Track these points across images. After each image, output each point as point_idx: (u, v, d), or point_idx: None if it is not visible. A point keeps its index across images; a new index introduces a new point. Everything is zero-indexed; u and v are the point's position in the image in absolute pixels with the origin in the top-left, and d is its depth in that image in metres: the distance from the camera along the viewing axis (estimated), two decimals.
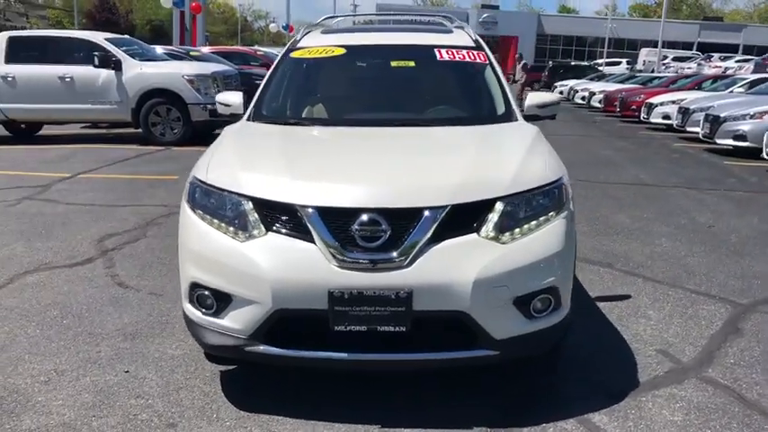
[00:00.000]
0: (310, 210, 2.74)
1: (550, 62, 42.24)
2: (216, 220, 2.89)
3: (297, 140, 3.51)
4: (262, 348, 2.80)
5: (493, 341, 2.77)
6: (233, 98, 4.05)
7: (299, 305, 2.70)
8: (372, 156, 3.25)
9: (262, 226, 2.80)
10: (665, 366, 3.45)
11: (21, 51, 11.66)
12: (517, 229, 2.82)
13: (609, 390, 3.18)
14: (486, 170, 2.98)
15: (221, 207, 2.90)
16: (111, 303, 4.19)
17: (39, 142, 11.91)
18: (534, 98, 3.99)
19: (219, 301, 2.84)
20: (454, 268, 2.68)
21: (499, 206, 2.81)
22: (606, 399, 3.09)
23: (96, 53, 11.29)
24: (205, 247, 2.88)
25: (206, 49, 19.77)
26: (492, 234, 2.77)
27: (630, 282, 4.77)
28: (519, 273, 2.76)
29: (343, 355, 2.76)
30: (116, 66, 11.31)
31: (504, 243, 2.77)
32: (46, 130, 12.76)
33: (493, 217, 2.79)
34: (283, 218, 2.78)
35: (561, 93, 29.41)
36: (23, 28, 53.65)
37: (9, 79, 11.47)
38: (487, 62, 4.15)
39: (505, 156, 3.15)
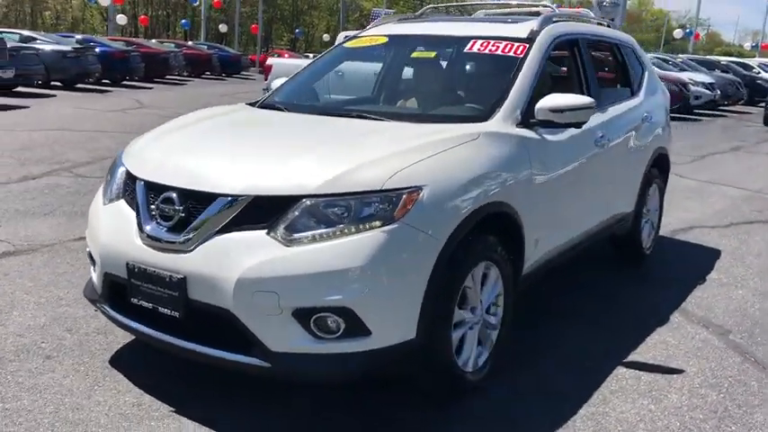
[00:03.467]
0: (139, 181, 2.84)
1: None
2: (105, 184, 3.16)
3: (220, 121, 3.51)
4: (106, 308, 2.98)
5: (267, 352, 2.51)
6: (276, 83, 4.22)
7: (115, 271, 2.82)
8: (235, 140, 3.13)
9: (121, 193, 2.98)
10: None
11: None
12: (317, 233, 2.48)
13: None
14: (307, 166, 2.65)
15: (112, 173, 3.16)
16: None
17: None
18: (549, 100, 3.28)
19: (92, 258, 3.11)
20: (227, 263, 2.50)
21: (304, 205, 2.51)
22: None
23: None
24: (90, 207, 3.18)
25: None
26: (282, 233, 2.49)
27: (721, 357, 3.57)
28: (293, 281, 2.43)
29: (144, 329, 2.78)
30: None
31: (290, 245, 2.47)
32: None
33: (291, 215, 2.51)
34: (131, 187, 2.92)
35: None
36: None
37: (339, 74, 13.15)
38: (521, 56, 3.53)
39: (348, 154, 2.73)
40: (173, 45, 28.56)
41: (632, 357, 3.51)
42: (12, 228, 5.25)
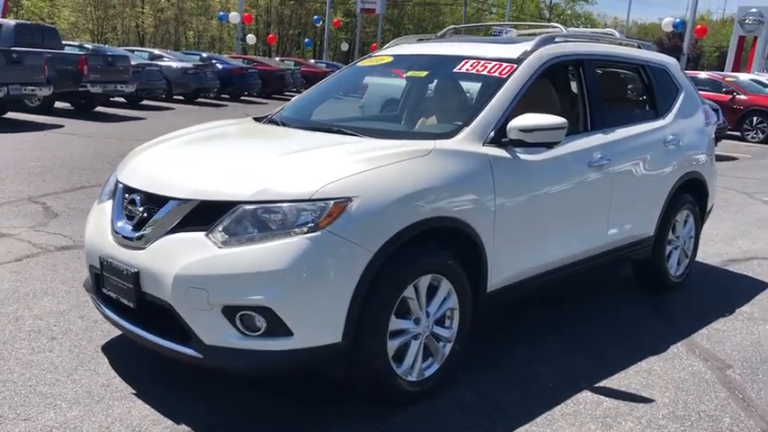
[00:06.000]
0: (119, 184, 3.18)
1: None
2: (103, 186, 3.53)
3: (208, 133, 3.73)
4: (94, 297, 3.33)
5: (201, 344, 2.74)
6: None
7: (95, 264, 3.16)
8: (207, 150, 3.37)
9: (111, 195, 3.33)
10: None
11: None
12: (248, 237, 2.69)
13: None
14: (251, 174, 2.86)
15: (109, 177, 3.52)
16: None
17: None
18: (519, 120, 3.32)
19: None
20: (170, 260, 2.76)
21: (240, 210, 2.73)
22: None
23: None
24: None
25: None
26: (217, 235, 2.72)
27: (705, 391, 3.43)
28: (220, 280, 2.65)
29: (113, 316, 3.09)
30: None
31: (222, 247, 2.69)
32: None
33: (227, 219, 2.73)
34: (116, 189, 3.26)
35: None
36: None
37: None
38: (504, 77, 3.58)
39: (294, 165, 2.92)
40: (292, 63, 29.91)
41: (604, 383, 3.44)
42: (78, 225, 5.82)
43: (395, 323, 2.91)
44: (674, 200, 4.64)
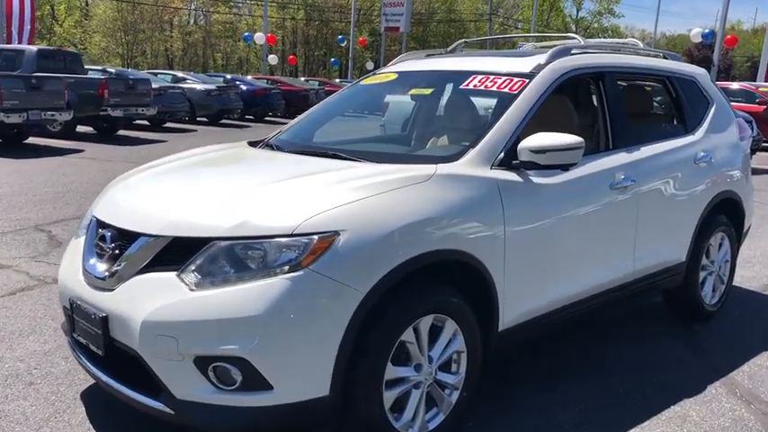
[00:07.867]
0: (93, 218, 2.92)
1: None
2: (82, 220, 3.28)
3: (192, 161, 3.48)
4: (71, 342, 3.06)
5: (172, 398, 2.45)
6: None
7: (66, 305, 2.90)
8: (187, 181, 3.09)
9: (85, 230, 3.07)
10: None
11: None
12: (222, 278, 2.40)
13: None
14: (228, 207, 2.57)
15: (89, 210, 3.27)
16: None
17: None
18: (531, 140, 3.00)
19: None
20: (138, 303, 2.49)
21: (214, 247, 2.44)
22: None
23: None
24: None
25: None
26: (189, 276, 2.44)
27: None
28: (190, 327, 2.36)
29: (87, 363, 2.81)
30: None
31: (195, 289, 2.41)
32: None
33: (200, 258, 2.45)
34: (90, 223, 3.00)
35: None
36: None
37: None
38: (514, 93, 3.27)
39: (276, 195, 2.62)
40: (316, 83, 29.85)
41: (632, 431, 3.07)
42: None
43: (392, 371, 2.59)
44: (708, 222, 4.26)
